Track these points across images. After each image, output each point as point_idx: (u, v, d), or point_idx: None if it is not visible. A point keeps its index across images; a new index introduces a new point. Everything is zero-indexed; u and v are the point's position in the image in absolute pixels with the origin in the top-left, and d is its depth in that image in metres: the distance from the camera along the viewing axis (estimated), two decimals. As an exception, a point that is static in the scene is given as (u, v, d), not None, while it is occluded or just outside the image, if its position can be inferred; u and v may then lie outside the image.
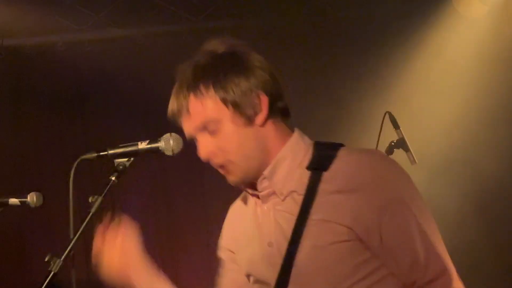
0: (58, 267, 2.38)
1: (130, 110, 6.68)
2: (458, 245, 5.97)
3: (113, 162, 2.57)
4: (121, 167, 2.58)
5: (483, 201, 6.41)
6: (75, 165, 2.71)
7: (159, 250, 6.65)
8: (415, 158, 4.74)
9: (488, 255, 6.13)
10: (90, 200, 2.55)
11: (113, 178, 2.50)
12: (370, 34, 6.73)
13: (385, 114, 4.77)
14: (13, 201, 3.79)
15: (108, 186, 2.50)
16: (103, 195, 2.41)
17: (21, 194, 3.81)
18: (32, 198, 3.62)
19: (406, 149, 4.67)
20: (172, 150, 2.51)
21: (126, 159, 2.57)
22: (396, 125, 4.69)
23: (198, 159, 5.86)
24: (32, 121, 6.79)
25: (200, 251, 6.82)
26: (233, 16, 7.04)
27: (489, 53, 6.30)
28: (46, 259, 2.38)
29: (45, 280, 2.33)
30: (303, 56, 6.90)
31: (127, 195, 6.38)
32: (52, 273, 2.30)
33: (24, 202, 3.66)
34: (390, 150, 4.73)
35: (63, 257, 2.41)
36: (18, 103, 6.78)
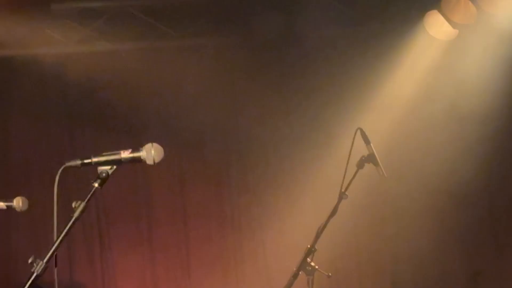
0: (41, 269, 2.41)
1: (114, 120, 6.73)
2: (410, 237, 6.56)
3: (97, 170, 2.65)
4: (104, 174, 2.61)
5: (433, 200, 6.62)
6: (59, 171, 2.83)
7: (140, 256, 6.86)
8: (384, 172, 4.77)
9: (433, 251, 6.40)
10: (73, 205, 2.56)
11: (96, 185, 2.56)
12: (345, 54, 6.85)
13: (356, 130, 4.79)
14: (0, 205, 3.85)
15: (91, 192, 2.54)
16: (86, 200, 2.46)
17: (7, 198, 3.80)
18: (18, 202, 3.63)
19: (376, 164, 4.71)
20: (153, 159, 2.59)
21: (109, 167, 2.62)
22: (367, 141, 4.72)
23: (179, 169, 5.81)
24: (20, 129, 6.81)
25: (180, 259, 6.93)
26: (216, 35, 7.15)
27: (458, 73, 6.55)
28: (29, 261, 2.42)
29: (28, 281, 2.37)
30: (280, 74, 7.10)
31: (110, 203, 6.53)
32: (35, 274, 2.35)
33: (10, 206, 3.66)
34: (360, 164, 4.75)
35: (45, 259, 2.43)
36: (7, 111, 6.80)
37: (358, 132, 4.75)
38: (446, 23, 6.31)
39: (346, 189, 4.80)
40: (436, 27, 6.41)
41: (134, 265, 7.03)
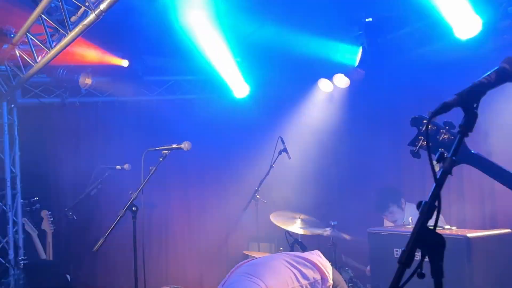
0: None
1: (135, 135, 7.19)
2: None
3: (162, 153, 5.04)
4: (165, 154, 4.66)
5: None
6: (144, 153, 5.09)
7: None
8: (290, 156, 6.21)
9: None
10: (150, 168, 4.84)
11: (161, 159, 4.74)
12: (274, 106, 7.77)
13: (278, 138, 6.27)
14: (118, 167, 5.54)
15: (151, 173, 4.63)
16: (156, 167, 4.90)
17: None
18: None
19: (288, 155, 6.22)
20: (187, 149, 5.02)
21: (167, 151, 4.84)
22: (283, 144, 6.24)
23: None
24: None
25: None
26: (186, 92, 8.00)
27: (343, 120, 7.40)
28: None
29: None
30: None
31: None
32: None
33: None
34: (279, 152, 6.21)
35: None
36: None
37: (279, 139, 6.26)
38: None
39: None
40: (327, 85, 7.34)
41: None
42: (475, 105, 1.76)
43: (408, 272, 1.57)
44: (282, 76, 7.53)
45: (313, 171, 7.47)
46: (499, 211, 5.58)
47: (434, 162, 2.03)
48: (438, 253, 1.66)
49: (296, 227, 6.12)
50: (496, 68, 1.85)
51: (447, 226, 4.64)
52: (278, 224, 6.18)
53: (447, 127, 2.42)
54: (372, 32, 6.46)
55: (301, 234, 6.08)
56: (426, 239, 1.65)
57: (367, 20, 6.34)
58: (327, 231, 5.87)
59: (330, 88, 7.37)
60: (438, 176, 1.74)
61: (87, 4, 4.59)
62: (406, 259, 1.62)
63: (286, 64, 7.24)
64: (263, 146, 6.92)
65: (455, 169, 1.94)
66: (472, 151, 2.34)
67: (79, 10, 4.93)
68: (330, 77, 7.24)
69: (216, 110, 7.74)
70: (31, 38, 5.81)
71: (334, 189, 7.53)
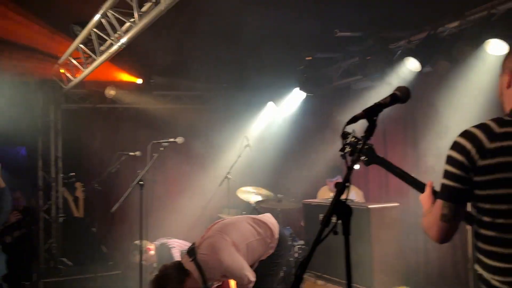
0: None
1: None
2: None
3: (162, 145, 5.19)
4: (165, 143, 5.05)
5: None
6: (149, 145, 5.22)
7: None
8: (251, 149, 6.09)
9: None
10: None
11: (162, 149, 5.12)
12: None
13: (244, 136, 6.22)
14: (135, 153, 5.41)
15: (154, 158, 5.01)
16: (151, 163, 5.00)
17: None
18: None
19: (250, 148, 6.09)
20: (181, 142, 5.05)
21: (167, 143, 5.15)
22: (247, 141, 6.10)
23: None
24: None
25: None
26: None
27: (292, 125, 7.37)
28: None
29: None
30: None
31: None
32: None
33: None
34: (245, 146, 6.09)
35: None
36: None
37: (245, 138, 6.22)
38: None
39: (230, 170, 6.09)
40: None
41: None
42: (375, 118, 1.77)
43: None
44: (250, 96, 7.57)
45: (268, 159, 7.45)
46: (392, 190, 5.59)
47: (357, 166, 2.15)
48: (347, 218, 1.68)
49: (255, 198, 6.14)
50: (391, 93, 1.87)
51: (356, 200, 4.71)
52: (243, 197, 6.22)
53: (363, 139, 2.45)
54: (310, 66, 6.48)
55: (258, 202, 6.10)
56: (339, 208, 1.67)
57: (307, 58, 6.34)
58: (276, 201, 5.89)
59: (279, 106, 7.32)
60: (349, 165, 1.76)
61: (112, 38, 4.60)
62: (325, 222, 1.63)
63: (252, 89, 7.26)
64: (234, 142, 6.86)
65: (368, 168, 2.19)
66: (379, 155, 2.36)
67: (106, 42, 4.92)
68: (280, 97, 7.20)
69: (202, 117, 7.72)
70: (71, 60, 5.83)
71: (284, 172, 7.48)
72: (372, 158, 2.33)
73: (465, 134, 1.84)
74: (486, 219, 1.84)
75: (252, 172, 7.02)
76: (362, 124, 1.77)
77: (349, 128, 2.00)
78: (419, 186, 2.18)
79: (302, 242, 5.42)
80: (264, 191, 6.29)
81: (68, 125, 7.11)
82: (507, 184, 1.75)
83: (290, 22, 4.92)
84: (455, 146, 1.85)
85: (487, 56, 4.11)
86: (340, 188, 1.68)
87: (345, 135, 2.00)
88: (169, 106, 7.71)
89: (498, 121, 1.81)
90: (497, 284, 1.80)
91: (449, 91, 4.66)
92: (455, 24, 4.55)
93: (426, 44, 4.75)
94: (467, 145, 1.81)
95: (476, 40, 4.22)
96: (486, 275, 1.85)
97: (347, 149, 2.17)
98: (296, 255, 5.35)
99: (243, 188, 6.32)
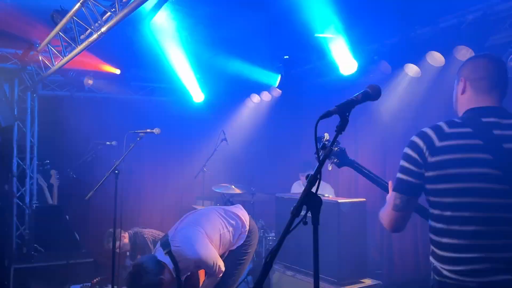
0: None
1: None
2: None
3: (139, 135, 5.16)
4: (142, 134, 4.88)
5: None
6: (126, 134, 5.17)
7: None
8: (228, 143, 6.27)
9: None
10: None
11: (138, 139, 5.08)
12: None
13: (221, 130, 6.39)
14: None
15: (130, 148, 4.67)
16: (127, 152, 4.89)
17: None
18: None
19: (227, 142, 6.23)
20: (157, 133, 4.98)
21: (144, 134, 4.90)
22: (224, 135, 6.27)
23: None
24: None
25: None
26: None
27: (267, 121, 7.40)
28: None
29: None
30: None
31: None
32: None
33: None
34: (221, 139, 6.23)
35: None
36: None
37: (222, 132, 6.37)
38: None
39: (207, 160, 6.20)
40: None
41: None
42: (347, 113, 1.79)
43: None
44: (227, 89, 7.42)
45: (244, 154, 7.42)
46: (360, 186, 5.67)
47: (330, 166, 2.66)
48: (317, 208, 1.70)
49: (230, 191, 6.14)
50: (362, 91, 1.87)
51: (326, 195, 4.76)
52: (217, 190, 6.20)
53: (336, 143, 2.59)
54: (288, 65, 6.55)
55: (232, 195, 6.11)
56: (310, 199, 1.69)
57: (285, 57, 6.38)
58: (250, 194, 5.95)
59: (258, 100, 7.29)
60: (320, 159, 1.78)
61: (92, 27, 4.53)
62: (295, 211, 1.65)
63: (230, 81, 7.13)
64: (211, 136, 6.83)
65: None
66: (350, 158, 2.54)
67: (86, 31, 4.83)
68: (258, 93, 7.18)
69: (180, 109, 7.60)
70: (50, 48, 5.74)
71: (258, 167, 7.45)
72: (344, 161, 2.52)
73: (420, 133, 1.99)
74: (435, 211, 1.97)
75: (228, 166, 7.01)
76: (334, 126, 1.78)
77: (321, 132, 2.04)
78: (383, 186, 2.35)
79: (273, 234, 5.43)
80: (238, 184, 6.29)
81: (45, 112, 6.95)
82: (453, 179, 1.88)
83: (271, 23, 4.98)
84: (410, 144, 1.99)
85: (456, 62, 4.29)
86: (311, 180, 1.70)
87: (319, 139, 2.02)
88: (146, 97, 7.68)
89: (449, 122, 1.96)
90: (446, 273, 1.91)
91: (419, 92, 4.71)
92: (426, 30, 4.63)
93: (397, 48, 4.85)
94: (420, 143, 1.96)
95: (445, 46, 4.32)
96: (437, 264, 1.96)
97: (321, 152, 2.23)
98: (267, 246, 5.37)
99: (219, 184, 6.34)
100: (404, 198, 2.00)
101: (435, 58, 4.42)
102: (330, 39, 5.15)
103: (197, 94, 7.27)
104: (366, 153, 5.69)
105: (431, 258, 2.03)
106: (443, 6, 4.34)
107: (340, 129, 1.79)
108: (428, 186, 1.96)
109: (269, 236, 5.38)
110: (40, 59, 6.22)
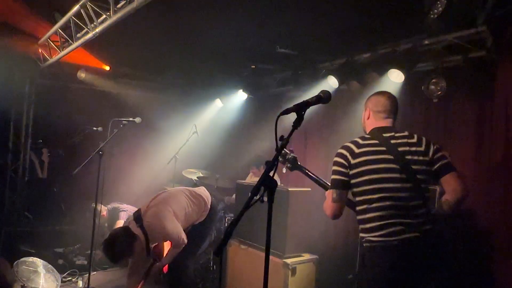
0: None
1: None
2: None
3: (122, 122, 4.97)
4: (124, 124, 4.90)
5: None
6: (111, 121, 5.00)
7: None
8: (198, 135, 5.84)
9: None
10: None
11: (122, 126, 4.89)
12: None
13: (193, 125, 5.99)
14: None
15: (114, 133, 4.72)
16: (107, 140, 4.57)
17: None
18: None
19: (197, 134, 5.87)
20: (138, 122, 4.92)
21: (126, 122, 4.88)
22: (195, 129, 5.90)
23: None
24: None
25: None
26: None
27: (232, 119, 7.19)
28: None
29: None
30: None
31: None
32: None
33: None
34: (192, 132, 5.82)
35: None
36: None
37: (194, 126, 5.92)
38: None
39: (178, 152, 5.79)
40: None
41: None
42: (303, 112, 1.82)
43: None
44: (201, 90, 7.25)
45: (212, 146, 7.23)
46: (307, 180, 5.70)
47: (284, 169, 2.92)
48: (272, 189, 1.70)
49: (196, 176, 6.06)
50: (317, 94, 1.93)
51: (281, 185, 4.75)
52: (186, 175, 6.11)
53: (291, 150, 2.91)
54: (254, 74, 6.52)
55: (198, 179, 6.02)
56: (267, 181, 1.69)
57: (252, 66, 6.35)
58: (214, 179, 5.81)
59: (227, 101, 7.05)
60: (278, 152, 1.79)
61: (88, 27, 4.37)
62: (255, 191, 1.64)
63: (204, 83, 7.01)
64: (184, 128, 6.53)
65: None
66: (300, 164, 2.82)
67: (83, 30, 4.66)
68: (227, 95, 6.99)
69: (159, 104, 7.39)
70: (49, 43, 5.51)
71: (223, 158, 7.14)
72: (295, 166, 2.79)
73: (343, 146, 2.39)
74: (359, 198, 2.34)
75: (197, 155, 6.85)
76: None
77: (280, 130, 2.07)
78: (324, 187, 2.60)
79: (232, 214, 5.41)
80: (205, 171, 6.19)
81: (41, 98, 6.64)
82: (369, 173, 2.27)
83: (240, 36, 4.93)
84: (338, 154, 2.38)
85: (389, 82, 4.30)
86: (270, 165, 1.69)
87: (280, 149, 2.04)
88: (131, 92, 7.41)
89: (362, 137, 2.41)
90: (374, 239, 2.23)
91: (357, 106, 4.81)
92: (367, 55, 4.73)
93: (344, 67, 4.92)
94: (345, 152, 2.36)
95: (381, 69, 4.42)
96: (366, 236, 2.29)
97: (280, 159, 2.71)
98: (226, 225, 5.34)
99: (187, 170, 6.22)
100: (338, 192, 2.32)
101: (373, 78, 4.51)
102: (290, 55, 5.16)
103: (175, 92, 7.13)
104: (313, 158, 5.71)
105: (360, 234, 2.34)
106: (382, 37, 4.47)
107: (297, 124, 1.81)
108: (353, 181, 2.32)
109: (228, 216, 5.34)
110: (40, 51, 6.01)
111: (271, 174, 1.68)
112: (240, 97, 6.76)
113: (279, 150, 1.77)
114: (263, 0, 3.80)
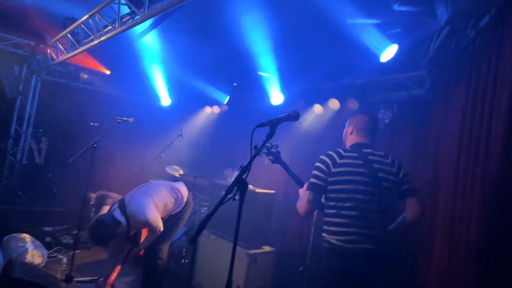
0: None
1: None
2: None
3: (117, 121, 4.85)
4: (118, 122, 4.79)
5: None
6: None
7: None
8: (183, 138, 5.77)
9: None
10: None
11: (116, 123, 4.75)
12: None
13: (178, 128, 5.91)
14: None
15: (108, 129, 4.73)
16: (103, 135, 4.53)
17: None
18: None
19: (182, 137, 5.83)
20: (131, 121, 4.79)
21: (121, 120, 4.78)
22: (181, 131, 5.88)
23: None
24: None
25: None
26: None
27: (215, 126, 6.94)
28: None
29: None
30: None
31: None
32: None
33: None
34: (178, 135, 5.78)
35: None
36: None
37: (180, 130, 5.94)
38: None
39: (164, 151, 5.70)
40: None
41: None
42: (276, 127, 1.82)
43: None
44: (188, 99, 6.97)
45: (194, 148, 7.03)
46: (273, 183, 5.66)
47: (267, 161, 2.73)
48: (244, 189, 1.69)
49: (178, 172, 5.88)
50: (288, 112, 1.93)
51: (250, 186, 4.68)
52: (169, 171, 5.93)
53: (275, 146, 2.75)
54: (235, 90, 6.49)
55: (179, 175, 5.85)
56: (240, 182, 1.67)
57: (234, 84, 6.34)
58: (193, 177, 5.72)
59: (210, 111, 6.89)
60: (252, 154, 1.77)
61: (94, 35, 4.24)
62: (228, 190, 1.62)
63: (191, 94, 6.69)
64: (171, 131, 6.38)
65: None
66: (282, 160, 2.67)
67: (89, 37, 4.52)
68: (211, 105, 6.92)
69: (151, 107, 7.10)
70: (58, 45, 5.33)
71: (203, 159, 7.05)
72: (277, 160, 2.65)
73: (326, 154, 2.31)
74: (331, 203, 2.27)
75: (180, 154, 6.74)
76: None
77: (256, 139, 2.05)
78: (301, 183, 2.49)
79: (206, 208, 5.32)
80: (186, 169, 6.06)
81: (45, 93, 6.37)
82: (345, 182, 2.22)
83: (229, 58, 4.91)
84: (320, 160, 2.31)
85: (346, 108, 4.48)
86: (243, 169, 1.68)
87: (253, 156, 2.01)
88: (127, 95, 7.11)
89: (344, 149, 2.34)
90: (334, 241, 2.18)
91: (320, 125, 4.86)
92: (331, 85, 4.81)
93: (311, 92, 4.99)
94: (327, 159, 2.29)
95: (342, 97, 4.50)
96: (328, 237, 2.23)
97: (264, 150, 2.57)
98: (199, 217, 5.24)
99: (170, 166, 6.04)
100: (314, 195, 2.25)
101: (334, 103, 4.59)
102: (267, 78, 5.18)
103: (165, 99, 6.82)
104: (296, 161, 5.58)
105: (324, 234, 2.27)
106: (344, 71, 4.55)
107: (269, 136, 1.81)
108: (329, 187, 2.25)
109: (202, 210, 5.25)
110: (48, 51, 5.78)
111: (243, 177, 1.66)
112: (222, 109, 6.70)
113: (252, 157, 1.75)
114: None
